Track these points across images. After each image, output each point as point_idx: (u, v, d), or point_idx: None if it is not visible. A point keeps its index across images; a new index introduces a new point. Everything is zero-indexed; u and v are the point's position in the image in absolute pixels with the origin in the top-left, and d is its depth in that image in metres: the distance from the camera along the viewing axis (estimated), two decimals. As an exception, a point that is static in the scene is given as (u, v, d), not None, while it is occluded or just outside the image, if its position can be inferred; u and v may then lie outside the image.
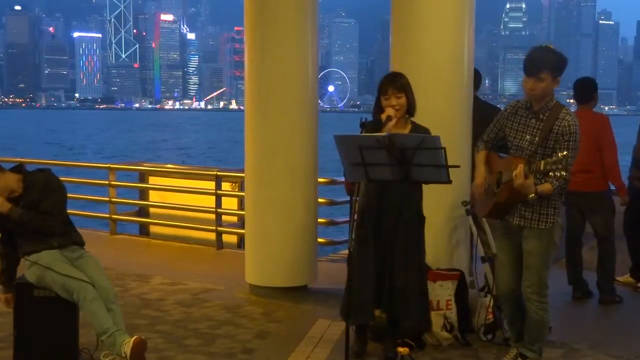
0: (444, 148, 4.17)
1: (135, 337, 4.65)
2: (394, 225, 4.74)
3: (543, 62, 4.34)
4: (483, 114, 6.10)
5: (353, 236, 4.66)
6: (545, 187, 4.20)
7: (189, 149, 63.75)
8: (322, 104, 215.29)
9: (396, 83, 4.78)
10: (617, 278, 7.01)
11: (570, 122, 4.31)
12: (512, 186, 4.30)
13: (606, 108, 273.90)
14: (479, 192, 4.66)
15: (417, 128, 4.79)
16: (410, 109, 4.84)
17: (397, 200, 4.73)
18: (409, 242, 4.77)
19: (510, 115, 4.57)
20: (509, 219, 4.55)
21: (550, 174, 4.07)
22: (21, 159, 10.77)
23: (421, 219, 4.88)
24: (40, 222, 4.85)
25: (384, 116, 4.69)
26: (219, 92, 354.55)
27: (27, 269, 4.84)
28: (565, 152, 4.06)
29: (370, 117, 4.89)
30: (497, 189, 4.50)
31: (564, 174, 4.07)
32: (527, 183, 4.16)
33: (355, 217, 4.73)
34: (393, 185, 4.62)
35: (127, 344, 4.58)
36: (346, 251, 5.51)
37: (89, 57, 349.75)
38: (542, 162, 4.10)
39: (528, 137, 4.42)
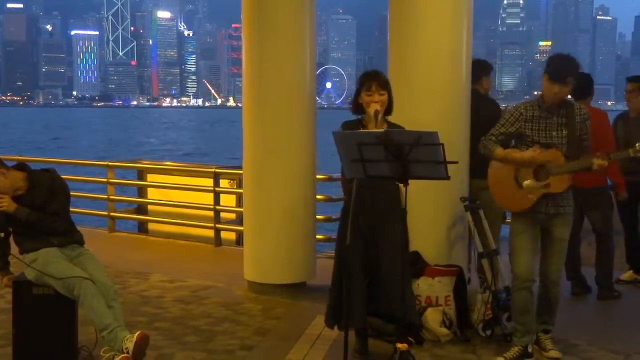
0: (442, 144, 4.17)
1: (138, 332, 4.65)
2: (386, 223, 4.71)
3: (569, 69, 4.74)
4: (484, 114, 6.10)
5: (346, 240, 4.60)
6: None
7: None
8: (319, 101, 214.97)
9: (379, 80, 4.78)
10: (620, 277, 7.04)
11: (586, 110, 4.96)
12: (569, 177, 4.76)
13: (609, 103, 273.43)
14: (538, 159, 4.77)
15: (392, 126, 4.79)
16: (390, 108, 4.85)
17: (386, 198, 4.73)
18: (403, 239, 4.75)
19: (528, 118, 4.84)
20: (539, 209, 4.81)
21: None
22: (21, 157, 10.77)
23: (406, 215, 4.86)
24: (48, 223, 4.87)
25: (371, 111, 4.66)
26: (215, 91, 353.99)
27: (27, 267, 4.84)
28: None
29: None
30: (538, 181, 4.72)
31: None
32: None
33: (343, 218, 4.75)
34: (377, 185, 4.61)
35: (130, 340, 4.58)
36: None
37: (87, 55, 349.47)
38: (631, 150, 4.55)
39: (555, 133, 4.79)
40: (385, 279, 4.68)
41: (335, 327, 4.90)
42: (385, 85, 4.78)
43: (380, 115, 4.66)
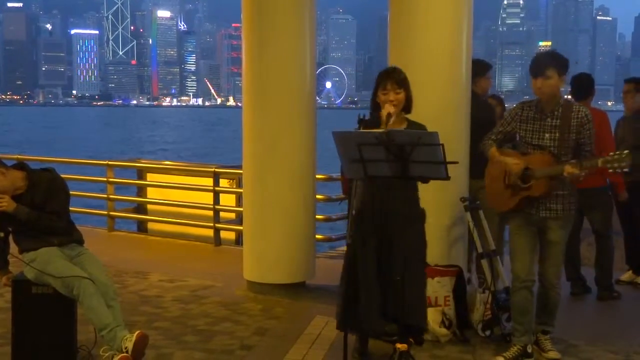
0: (442, 144, 4.16)
1: (137, 332, 4.65)
2: (401, 226, 4.61)
3: (548, 61, 4.67)
4: (482, 115, 6.09)
5: (350, 241, 4.58)
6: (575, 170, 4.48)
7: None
8: (319, 101, 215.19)
9: (395, 77, 4.68)
10: (620, 277, 7.04)
11: (587, 112, 4.75)
12: (548, 182, 4.63)
13: (609, 103, 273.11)
14: (516, 172, 4.72)
15: (413, 125, 4.73)
16: (408, 106, 4.77)
17: (400, 201, 4.62)
18: (419, 242, 4.71)
19: (523, 118, 4.80)
20: (530, 211, 4.76)
21: (610, 170, 4.45)
22: (20, 156, 10.77)
23: (425, 216, 4.82)
24: (48, 223, 4.86)
25: (384, 113, 4.56)
26: (215, 90, 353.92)
27: (26, 266, 4.83)
28: (626, 151, 4.35)
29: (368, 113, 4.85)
30: (524, 183, 4.68)
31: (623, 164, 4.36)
32: (580, 174, 4.52)
33: (352, 219, 4.66)
34: (394, 186, 4.58)
35: (129, 339, 4.58)
36: (344, 248, 5.44)
37: (87, 54, 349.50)
38: (600, 159, 4.41)
39: (547, 135, 4.71)
40: (393, 280, 4.67)
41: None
42: (401, 83, 4.68)
43: (393, 117, 4.56)
